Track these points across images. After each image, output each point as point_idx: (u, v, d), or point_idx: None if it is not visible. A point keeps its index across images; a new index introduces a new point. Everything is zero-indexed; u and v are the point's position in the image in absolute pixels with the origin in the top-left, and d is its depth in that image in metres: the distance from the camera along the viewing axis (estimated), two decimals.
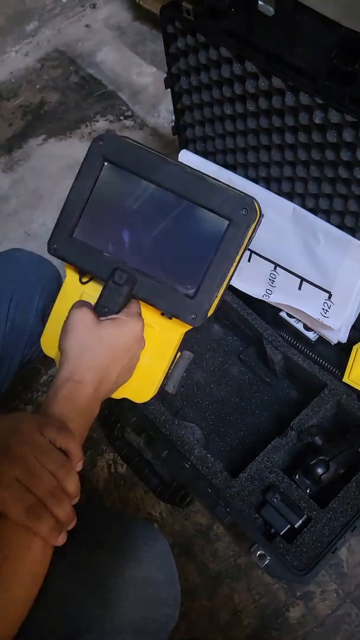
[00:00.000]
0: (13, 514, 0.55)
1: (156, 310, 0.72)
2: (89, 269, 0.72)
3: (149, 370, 0.74)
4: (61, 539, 0.57)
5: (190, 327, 0.72)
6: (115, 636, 0.69)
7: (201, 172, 0.69)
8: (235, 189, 0.68)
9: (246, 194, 0.68)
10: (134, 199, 0.71)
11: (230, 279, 0.70)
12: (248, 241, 0.69)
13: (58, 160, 1.68)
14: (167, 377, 0.76)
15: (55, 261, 0.80)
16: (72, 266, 0.74)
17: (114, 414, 1.13)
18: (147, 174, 0.69)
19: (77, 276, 0.75)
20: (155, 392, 0.76)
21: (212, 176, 0.70)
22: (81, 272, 0.74)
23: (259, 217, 0.68)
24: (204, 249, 0.69)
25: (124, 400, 1.01)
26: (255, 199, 0.68)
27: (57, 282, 0.98)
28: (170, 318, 0.72)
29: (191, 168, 0.70)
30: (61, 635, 0.68)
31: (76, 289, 0.75)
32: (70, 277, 0.75)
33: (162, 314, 0.72)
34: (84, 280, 0.75)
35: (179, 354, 0.77)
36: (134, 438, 1.18)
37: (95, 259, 0.71)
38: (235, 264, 0.69)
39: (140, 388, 0.75)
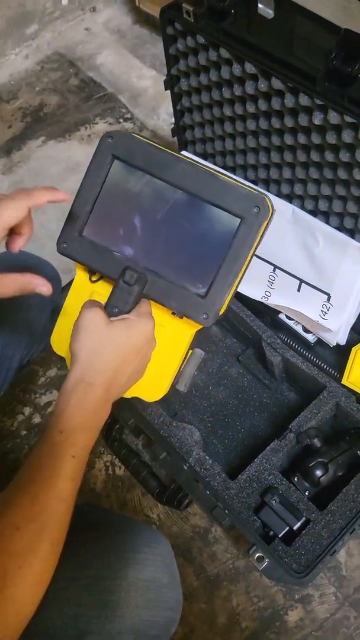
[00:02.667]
0: None
1: (167, 310, 0.71)
2: (98, 268, 0.71)
3: (161, 369, 0.74)
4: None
5: (202, 327, 0.71)
6: (118, 639, 0.69)
7: (213, 169, 0.68)
8: (247, 185, 0.67)
9: (258, 191, 0.66)
10: (144, 196, 0.70)
11: (242, 278, 0.69)
12: (260, 239, 0.68)
13: (57, 162, 1.68)
14: (178, 375, 0.75)
15: (60, 261, 0.80)
16: (82, 265, 0.74)
17: (112, 415, 1.13)
18: (157, 172, 0.68)
19: (86, 275, 0.74)
20: (167, 391, 0.75)
21: (225, 173, 0.69)
22: (91, 271, 0.74)
23: (271, 215, 0.67)
24: (215, 247, 0.68)
25: (123, 401, 1.01)
26: (267, 196, 0.67)
27: (57, 284, 0.98)
28: (181, 317, 0.72)
29: (203, 164, 0.69)
30: (65, 637, 0.67)
31: (86, 288, 0.74)
32: (80, 276, 0.75)
33: (173, 313, 0.72)
34: (93, 279, 0.74)
35: (190, 352, 0.76)
36: (131, 440, 1.18)
37: (105, 258, 0.70)
38: (246, 263, 0.68)
39: (152, 387, 0.74)
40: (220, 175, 0.67)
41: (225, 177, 0.67)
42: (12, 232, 0.67)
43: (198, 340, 1.02)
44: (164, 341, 0.72)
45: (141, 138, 0.69)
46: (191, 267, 0.70)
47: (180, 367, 0.75)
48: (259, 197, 0.66)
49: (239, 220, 0.67)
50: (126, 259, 0.70)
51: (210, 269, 0.68)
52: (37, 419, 1.27)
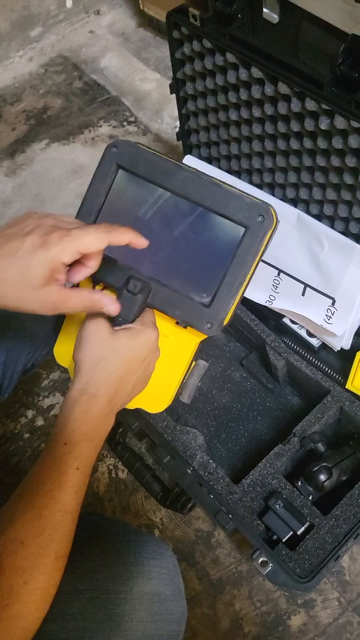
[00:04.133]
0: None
1: (171, 319, 0.71)
2: (102, 277, 0.70)
3: (164, 380, 0.73)
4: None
5: (206, 337, 0.71)
6: None
7: (216, 179, 0.69)
8: (251, 195, 0.67)
9: (262, 201, 0.67)
10: (148, 206, 0.70)
11: (247, 287, 0.69)
12: (264, 248, 0.68)
13: (61, 165, 1.68)
14: (182, 386, 0.75)
15: None
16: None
17: (116, 419, 1.12)
18: (161, 181, 0.69)
19: (90, 284, 0.74)
20: (170, 402, 0.75)
21: (228, 182, 0.69)
22: (94, 281, 0.73)
23: (276, 224, 0.67)
24: (219, 256, 0.68)
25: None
26: (271, 206, 0.67)
27: None
28: (185, 327, 0.71)
29: (206, 174, 0.69)
30: None
31: None
32: (84, 286, 0.74)
33: (177, 323, 0.71)
34: (97, 288, 0.74)
35: (193, 363, 0.75)
36: (135, 443, 1.18)
37: (108, 267, 0.69)
38: (251, 272, 0.68)
39: (155, 398, 0.74)
40: (224, 184, 0.68)
41: (229, 187, 0.68)
42: (78, 261, 0.64)
43: (201, 344, 1.02)
44: (168, 351, 0.72)
45: (145, 148, 0.70)
46: (195, 276, 0.69)
47: (183, 378, 0.75)
48: (264, 207, 0.66)
49: (243, 229, 0.67)
50: (130, 268, 0.70)
51: (215, 278, 0.68)
52: (40, 422, 1.27)
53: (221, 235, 0.68)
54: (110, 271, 0.70)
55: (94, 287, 0.74)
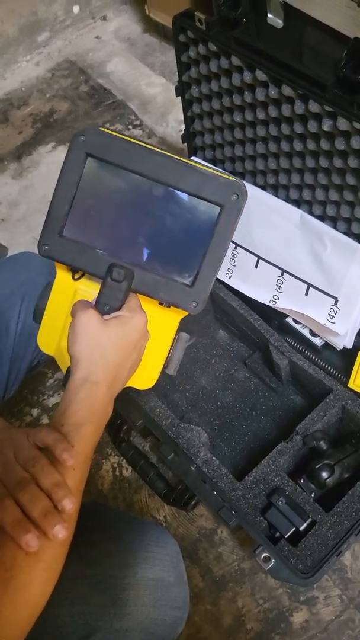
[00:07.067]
0: None
1: (153, 301, 0.72)
2: (83, 267, 0.71)
3: (151, 358, 0.75)
4: (30, 539, 0.52)
5: (188, 313, 0.72)
6: (126, 636, 0.69)
7: (188, 160, 0.69)
8: (224, 173, 0.68)
9: (235, 178, 0.68)
10: (121, 192, 0.70)
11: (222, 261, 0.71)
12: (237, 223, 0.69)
13: None
14: (167, 361, 0.76)
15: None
16: (65, 265, 0.74)
17: (120, 417, 1.14)
18: (132, 166, 0.68)
19: (68, 274, 0.74)
20: (158, 377, 0.77)
21: (201, 162, 0.69)
22: (73, 270, 0.74)
23: (246, 198, 0.68)
24: (198, 237, 0.69)
25: (130, 402, 1.02)
26: (243, 182, 0.68)
27: None
28: (168, 307, 0.72)
29: (178, 157, 0.69)
30: (74, 634, 0.68)
31: (69, 286, 0.74)
32: (62, 275, 0.75)
33: (160, 304, 0.72)
34: (76, 277, 0.74)
35: (176, 337, 0.77)
36: (139, 441, 1.19)
37: (88, 257, 0.70)
38: (227, 248, 0.70)
39: (144, 376, 0.76)
40: (196, 165, 0.68)
41: (202, 167, 0.68)
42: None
43: (204, 344, 1.03)
44: (153, 331, 0.73)
45: (113, 133, 0.69)
46: (176, 258, 0.70)
47: (168, 353, 0.77)
48: (237, 184, 0.67)
49: (219, 208, 0.68)
50: (110, 255, 0.70)
51: (195, 258, 0.69)
52: (45, 420, 1.29)
53: (198, 215, 0.69)
54: (90, 260, 0.70)
55: (73, 276, 0.74)
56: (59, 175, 0.70)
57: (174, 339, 0.76)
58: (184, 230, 0.70)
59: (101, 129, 0.69)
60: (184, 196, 0.69)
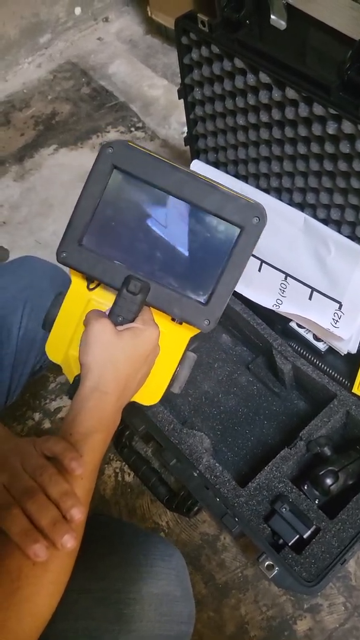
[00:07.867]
0: None
1: (165, 315, 0.72)
2: (99, 277, 0.71)
3: (158, 374, 0.75)
4: (39, 549, 0.52)
5: (199, 331, 0.72)
6: None
7: (212, 180, 0.69)
8: (245, 196, 0.69)
9: (256, 202, 0.68)
10: (144, 206, 0.71)
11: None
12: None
13: (69, 169, 1.69)
14: (173, 379, 0.76)
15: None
16: (81, 274, 0.74)
17: (122, 422, 1.13)
18: (157, 182, 0.69)
19: (83, 283, 0.75)
20: (163, 394, 0.76)
21: (223, 184, 0.70)
22: (89, 279, 0.74)
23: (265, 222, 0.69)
24: (216, 256, 0.69)
25: (132, 408, 1.02)
26: (263, 206, 0.69)
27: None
28: (180, 323, 0.73)
29: (202, 176, 0.70)
30: None
31: (83, 296, 0.75)
32: (76, 284, 0.75)
33: (173, 319, 0.73)
34: (91, 287, 0.74)
35: (184, 355, 0.77)
36: (141, 446, 1.18)
37: (105, 267, 0.70)
38: (244, 269, 0.70)
39: (149, 391, 0.75)
40: (219, 186, 0.69)
41: (225, 189, 0.69)
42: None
43: (207, 349, 1.02)
44: (163, 346, 0.73)
45: (141, 148, 0.70)
46: (192, 276, 0.71)
47: (175, 371, 0.76)
48: (259, 208, 0.68)
49: (238, 229, 0.68)
50: (127, 267, 0.70)
51: (212, 277, 0.69)
52: (47, 425, 1.28)
53: (217, 235, 0.69)
54: (107, 271, 0.70)
55: (88, 285, 0.74)
56: (84, 184, 0.71)
57: (182, 356, 0.76)
58: (202, 248, 0.70)
59: (129, 143, 0.70)
60: (205, 215, 0.69)
